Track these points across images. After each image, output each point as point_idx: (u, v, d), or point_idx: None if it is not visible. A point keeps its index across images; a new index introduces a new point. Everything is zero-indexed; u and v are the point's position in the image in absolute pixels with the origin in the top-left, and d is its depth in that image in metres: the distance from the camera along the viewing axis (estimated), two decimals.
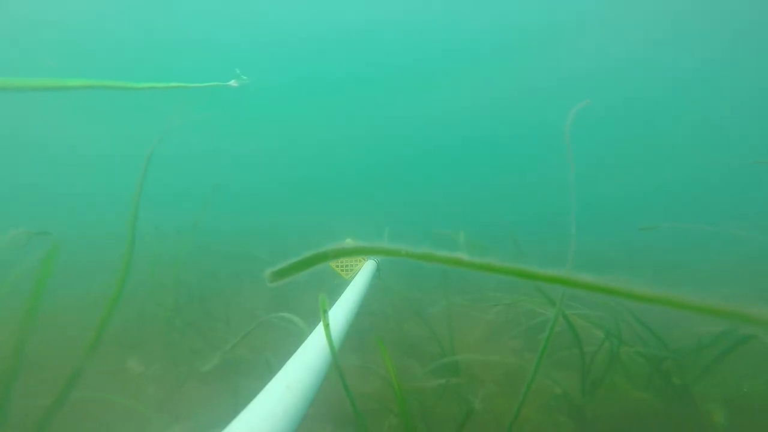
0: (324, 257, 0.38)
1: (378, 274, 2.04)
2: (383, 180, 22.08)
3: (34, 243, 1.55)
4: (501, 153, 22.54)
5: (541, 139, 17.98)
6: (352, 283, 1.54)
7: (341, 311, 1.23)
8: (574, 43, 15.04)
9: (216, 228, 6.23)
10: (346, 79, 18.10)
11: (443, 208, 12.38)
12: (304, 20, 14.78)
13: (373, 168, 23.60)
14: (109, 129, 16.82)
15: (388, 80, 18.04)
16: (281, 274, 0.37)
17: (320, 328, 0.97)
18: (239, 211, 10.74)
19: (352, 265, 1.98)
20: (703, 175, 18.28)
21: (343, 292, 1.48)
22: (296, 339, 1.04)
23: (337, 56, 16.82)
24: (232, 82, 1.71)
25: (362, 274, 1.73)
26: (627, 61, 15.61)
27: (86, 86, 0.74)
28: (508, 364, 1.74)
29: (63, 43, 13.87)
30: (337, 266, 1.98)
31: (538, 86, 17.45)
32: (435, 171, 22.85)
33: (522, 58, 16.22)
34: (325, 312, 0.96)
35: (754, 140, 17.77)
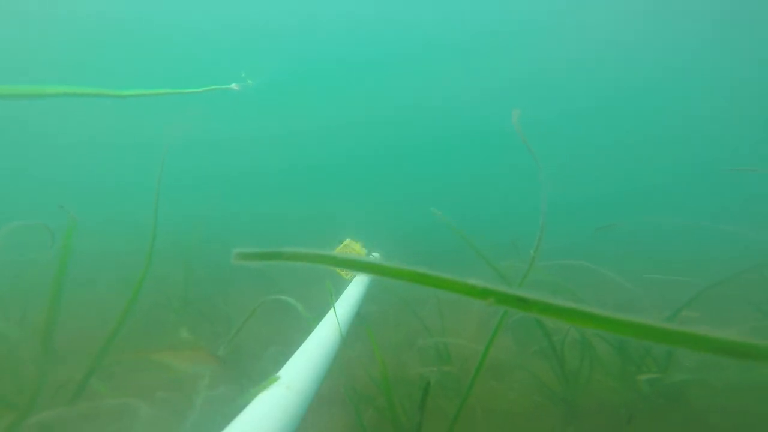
0: (282, 257, 0.39)
1: None
2: (376, 173, 22.07)
3: (39, 237, 1.64)
4: (488, 149, 22.42)
5: (534, 135, 18.07)
6: (352, 283, 1.62)
7: (341, 310, 1.30)
8: (565, 40, 15.04)
9: (217, 221, 6.30)
10: (340, 72, 17.98)
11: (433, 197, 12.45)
12: (296, 14, 14.63)
13: (362, 160, 23.53)
14: (116, 117, 16.71)
15: (378, 73, 17.96)
16: (246, 257, 0.39)
17: (319, 329, 1.03)
18: (241, 201, 10.79)
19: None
20: (696, 172, 18.31)
21: (343, 292, 1.56)
22: (295, 330, 1.13)
23: (333, 48, 16.68)
24: (234, 85, 1.73)
25: (362, 275, 1.79)
26: (616, 55, 15.61)
27: (64, 94, 0.69)
28: (497, 355, 1.85)
29: (71, 40, 13.78)
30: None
31: (524, 83, 17.50)
32: (426, 166, 22.75)
33: (506, 53, 16.22)
34: (332, 295, 1.02)
35: (743, 137, 17.79)
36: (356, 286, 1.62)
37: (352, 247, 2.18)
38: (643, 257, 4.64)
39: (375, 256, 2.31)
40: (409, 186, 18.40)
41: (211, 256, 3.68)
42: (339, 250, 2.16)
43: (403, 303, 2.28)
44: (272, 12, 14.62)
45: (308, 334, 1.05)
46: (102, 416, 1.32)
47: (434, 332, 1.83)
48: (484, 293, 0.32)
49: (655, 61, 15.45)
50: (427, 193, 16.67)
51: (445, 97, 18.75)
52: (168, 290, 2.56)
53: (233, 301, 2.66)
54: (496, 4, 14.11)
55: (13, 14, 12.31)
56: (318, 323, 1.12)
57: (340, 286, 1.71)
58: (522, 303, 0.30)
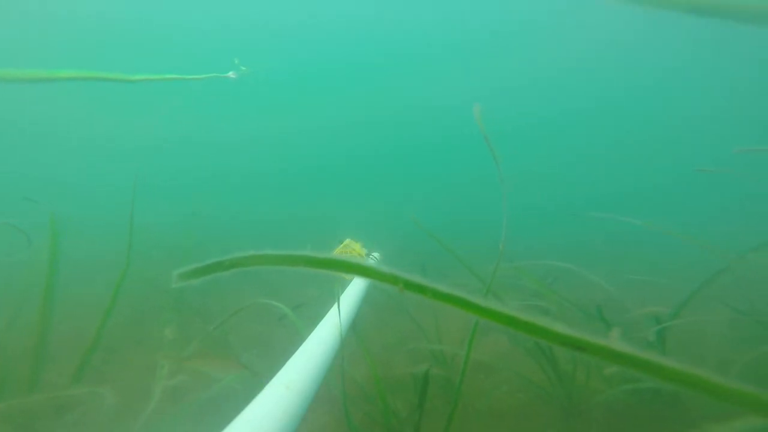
0: (232, 265, 0.39)
1: None
2: (378, 173, 22.05)
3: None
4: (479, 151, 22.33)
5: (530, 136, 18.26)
6: (351, 283, 1.62)
7: (341, 311, 1.30)
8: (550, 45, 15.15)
9: (216, 221, 6.30)
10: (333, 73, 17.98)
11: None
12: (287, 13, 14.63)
13: (365, 161, 23.49)
14: (108, 118, 16.71)
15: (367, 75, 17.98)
16: (188, 276, 0.39)
17: (319, 329, 1.03)
18: (241, 201, 10.78)
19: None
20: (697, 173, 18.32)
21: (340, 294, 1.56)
22: (286, 332, 1.14)
23: (328, 48, 16.69)
24: (231, 74, 1.71)
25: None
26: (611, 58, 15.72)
27: (78, 77, 0.68)
28: (492, 354, 1.87)
29: (68, 39, 13.79)
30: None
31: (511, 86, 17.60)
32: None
33: (508, 54, 16.30)
34: (337, 296, 1.03)
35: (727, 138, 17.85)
36: (356, 287, 1.63)
37: (351, 247, 2.17)
38: (637, 258, 4.65)
39: (375, 256, 2.32)
40: (410, 186, 18.40)
41: (209, 256, 3.68)
42: (339, 251, 2.16)
43: (396, 302, 2.30)
44: (272, 12, 14.63)
45: (298, 336, 1.06)
46: (70, 404, 1.36)
47: (428, 330, 1.84)
48: (394, 279, 0.36)
49: (649, 61, 15.51)
50: (428, 193, 16.65)
51: (447, 97, 18.79)
52: (163, 290, 2.57)
53: (228, 301, 2.67)
54: (495, 5, 14.16)
55: (7, 12, 12.30)
56: (311, 325, 1.13)
57: (339, 286, 1.71)
58: (420, 288, 0.35)
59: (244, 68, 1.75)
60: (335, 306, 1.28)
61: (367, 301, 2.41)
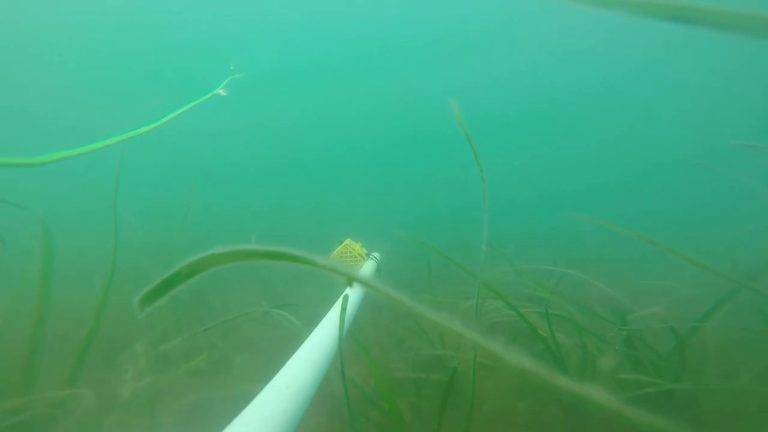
0: (195, 269, 0.36)
1: (379, 275, 2.10)
2: (381, 171, 22.00)
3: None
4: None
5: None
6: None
7: (338, 311, 1.27)
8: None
9: (217, 218, 6.27)
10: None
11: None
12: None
13: (367, 159, 23.42)
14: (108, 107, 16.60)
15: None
16: (150, 297, 0.36)
17: (319, 329, 1.02)
18: (242, 198, 10.73)
19: (351, 266, 2.03)
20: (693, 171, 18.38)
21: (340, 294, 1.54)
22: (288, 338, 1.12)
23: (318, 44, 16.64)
24: (221, 91, 1.68)
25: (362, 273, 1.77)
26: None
27: None
28: (486, 356, 1.85)
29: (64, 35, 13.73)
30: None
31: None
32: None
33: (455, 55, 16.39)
34: (344, 295, 1.02)
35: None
36: (357, 288, 1.61)
37: (351, 248, 2.17)
38: (636, 260, 4.63)
39: (375, 256, 2.30)
40: (413, 184, 18.38)
41: (203, 251, 3.65)
42: (339, 251, 2.15)
43: (394, 303, 2.28)
44: (264, 8, 14.55)
45: (296, 337, 1.04)
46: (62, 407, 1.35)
47: (427, 330, 1.82)
48: (333, 270, 0.37)
49: (634, 55, 15.53)
50: (429, 192, 16.58)
51: (448, 97, 18.69)
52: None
53: (231, 302, 2.64)
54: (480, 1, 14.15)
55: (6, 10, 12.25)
56: (309, 325, 1.11)
57: (336, 287, 1.69)
58: (372, 288, 0.37)
59: (237, 75, 1.75)
60: (335, 305, 1.26)
61: (365, 301, 2.39)
